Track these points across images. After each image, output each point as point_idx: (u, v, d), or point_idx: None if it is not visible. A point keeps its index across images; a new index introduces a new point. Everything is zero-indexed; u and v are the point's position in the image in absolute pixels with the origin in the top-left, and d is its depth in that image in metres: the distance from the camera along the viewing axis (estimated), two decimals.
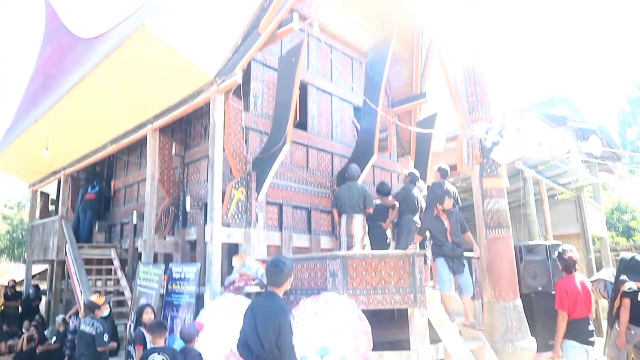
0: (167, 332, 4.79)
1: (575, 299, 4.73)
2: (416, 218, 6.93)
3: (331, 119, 8.59)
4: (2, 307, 10.71)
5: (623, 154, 17.43)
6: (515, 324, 6.24)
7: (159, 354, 4.47)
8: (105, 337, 5.48)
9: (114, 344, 5.88)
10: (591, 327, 4.80)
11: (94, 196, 10.70)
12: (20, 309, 11.10)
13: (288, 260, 3.43)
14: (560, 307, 4.77)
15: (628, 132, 32.62)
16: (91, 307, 5.83)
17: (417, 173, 7.46)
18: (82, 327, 5.66)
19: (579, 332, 4.71)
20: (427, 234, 6.13)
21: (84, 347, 5.54)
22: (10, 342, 9.62)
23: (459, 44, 7.18)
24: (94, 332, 5.50)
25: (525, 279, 6.86)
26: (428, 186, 7.01)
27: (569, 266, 4.89)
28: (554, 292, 6.20)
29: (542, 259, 7.00)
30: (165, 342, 4.71)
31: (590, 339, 4.72)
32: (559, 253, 5.01)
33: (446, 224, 5.87)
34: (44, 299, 11.96)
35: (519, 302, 6.42)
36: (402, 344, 5.90)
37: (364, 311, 4.80)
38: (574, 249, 5.05)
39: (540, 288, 6.83)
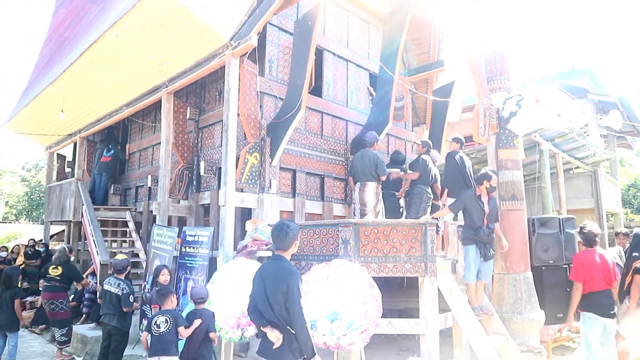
0: (173, 297, 4.82)
1: (592, 271, 4.74)
2: (428, 188, 6.89)
3: (346, 85, 8.48)
4: (23, 266, 11.02)
5: None
6: (524, 295, 6.27)
7: (162, 315, 4.58)
8: (131, 298, 5.53)
9: (137, 305, 5.95)
10: (611, 300, 4.77)
11: (110, 159, 10.81)
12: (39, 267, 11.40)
13: (293, 223, 3.45)
14: (575, 277, 4.83)
15: None
16: (123, 267, 5.81)
17: (430, 142, 7.37)
18: (107, 287, 5.65)
19: (597, 304, 4.72)
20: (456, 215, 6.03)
21: (109, 307, 5.55)
22: (30, 298, 9.93)
23: (476, 13, 6.99)
24: (120, 293, 5.54)
25: (536, 251, 6.83)
26: (449, 154, 6.86)
27: (589, 240, 4.91)
28: (565, 266, 6.20)
29: (554, 232, 6.95)
30: (174, 306, 4.80)
31: (611, 312, 4.71)
32: (580, 227, 5.01)
33: (486, 207, 5.66)
34: None
35: (529, 274, 6.43)
36: (411, 312, 5.98)
37: (374, 278, 4.84)
38: (595, 224, 5.04)
39: (551, 261, 6.81)
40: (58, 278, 6.92)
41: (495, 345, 5.22)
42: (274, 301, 3.16)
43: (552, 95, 6.98)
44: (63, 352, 6.98)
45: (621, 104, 13.95)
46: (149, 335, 4.58)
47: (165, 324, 4.51)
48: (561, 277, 6.48)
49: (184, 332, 4.57)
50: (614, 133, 14.08)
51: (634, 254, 5.36)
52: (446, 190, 6.66)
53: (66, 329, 6.99)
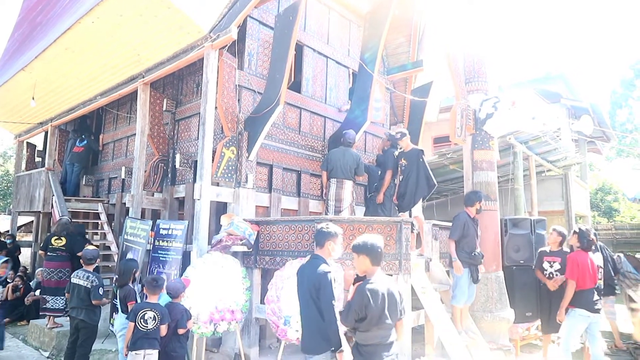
0: (162, 289, 4.76)
1: (585, 271, 5.19)
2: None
3: (326, 82, 8.47)
4: None
5: (613, 135, 17.55)
6: (495, 294, 6.39)
7: (151, 310, 4.49)
8: (101, 291, 5.41)
9: (106, 300, 5.82)
10: (597, 297, 5.28)
11: (82, 149, 10.54)
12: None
13: (333, 224, 3.60)
14: (570, 276, 5.25)
15: (618, 114, 32.75)
16: (93, 257, 5.70)
17: (395, 135, 7.12)
18: (75, 280, 5.51)
19: (587, 301, 5.20)
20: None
21: (78, 301, 5.42)
22: None
23: (458, 22, 7.07)
24: (89, 285, 5.41)
25: (508, 251, 6.97)
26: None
27: (589, 244, 5.35)
28: (534, 267, 6.38)
29: (526, 233, 7.09)
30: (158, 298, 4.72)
31: (597, 307, 5.24)
32: (582, 231, 5.39)
33: (478, 229, 5.84)
34: (29, 250, 11.95)
35: (500, 273, 6.56)
36: None
37: None
38: (592, 229, 5.52)
39: (522, 261, 6.95)
40: (63, 248, 7.26)
41: (465, 343, 5.31)
42: (308, 300, 3.33)
43: (527, 99, 7.14)
44: (55, 321, 7.10)
45: (592, 110, 14.35)
46: (134, 328, 4.49)
47: (154, 322, 4.45)
48: (531, 277, 6.62)
49: (164, 330, 4.52)
50: (585, 138, 14.47)
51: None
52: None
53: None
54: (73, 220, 9.01)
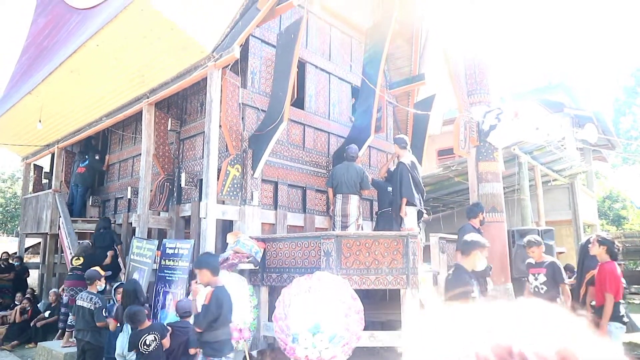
0: (144, 322, 4.73)
1: (620, 283, 4.90)
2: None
3: (329, 98, 8.52)
4: None
5: (618, 142, 17.49)
6: None
7: (149, 334, 4.50)
8: (105, 312, 5.45)
9: (111, 322, 5.83)
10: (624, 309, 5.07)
11: (84, 170, 10.58)
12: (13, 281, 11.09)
13: (477, 235, 3.77)
14: (610, 290, 4.82)
15: (622, 122, 32.68)
16: (93, 277, 5.74)
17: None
18: (80, 302, 5.54)
19: (620, 313, 4.92)
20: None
21: (83, 322, 5.45)
22: (2, 313, 9.64)
23: (459, 28, 7.12)
24: (92, 307, 5.44)
25: (516, 263, 6.93)
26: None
27: (616, 253, 5.02)
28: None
29: None
30: (150, 321, 4.74)
31: (625, 320, 5.00)
32: (608, 241, 5.03)
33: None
34: (37, 272, 11.97)
35: (509, 285, 6.51)
36: (393, 324, 5.97)
37: (356, 291, 4.84)
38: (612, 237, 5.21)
39: None
40: (80, 267, 7.47)
41: None
42: None
43: (530, 109, 7.14)
44: (70, 339, 7.04)
45: (596, 118, 14.32)
46: (136, 353, 4.50)
47: (154, 342, 4.46)
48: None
49: (166, 343, 4.52)
50: (590, 146, 14.42)
51: (584, 263, 5.54)
52: (404, 200, 6.57)
53: None
54: (81, 240, 9.05)
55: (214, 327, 3.71)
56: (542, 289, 5.46)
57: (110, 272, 7.77)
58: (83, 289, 7.21)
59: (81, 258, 7.65)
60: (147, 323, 4.66)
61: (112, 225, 9.90)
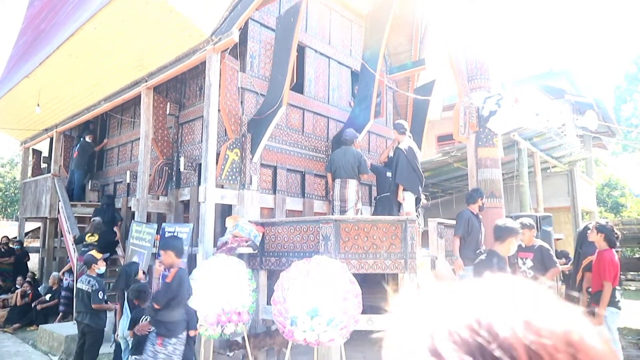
0: (149, 297, 4.77)
1: (617, 270, 4.93)
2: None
3: (328, 82, 8.48)
4: None
5: (618, 130, 17.46)
6: None
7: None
8: (101, 295, 5.47)
9: (111, 305, 5.87)
10: (620, 294, 5.08)
11: (77, 154, 10.53)
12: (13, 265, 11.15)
13: (511, 220, 3.81)
14: (608, 277, 4.85)
15: (623, 109, 32.60)
16: (89, 261, 5.79)
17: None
18: (79, 284, 5.61)
19: (616, 299, 4.97)
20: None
21: (81, 305, 5.51)
22: (3, 296, 9.71)
23: (460, 14, 7.06)
24: (89, 290, 5.50)
25: None
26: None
27: (614, 241, 5.02)
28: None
29: None
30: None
31: (621, 305, 5.04)
32: (606, 228, 5.01)
33: (482, 226, 5.71)
34: (37, 256, 12.03)
35: (508, 270, 6.54)
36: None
37: (354, 275, 4.86)
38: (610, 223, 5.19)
39: None
40: (95, 243, 7.75)
41: None
42: None
43: (530, 95, 7.11)
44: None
45: (597, 105, 14.28)
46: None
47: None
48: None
49: (192, 333, 4.53)
50: (590, 133, 14.39)
51: (581, 249, 5.54)
52: (400, 187, 6.56)
53: None
54: (79, 225, 9.09)
55: (171, 307, 3.91)
56: (529, 273, 5.40)
57: (108, 254, 7.90)
58: None
59: (95, 235, 7.95)
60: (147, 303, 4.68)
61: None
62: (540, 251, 5.41)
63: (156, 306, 3.90)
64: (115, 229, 8.77)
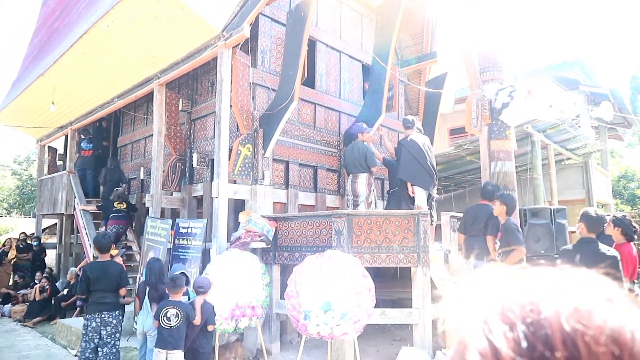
0: (183, 288, 4.81)
1: (635, 263, 4.80)
2: None
3: (339, 77, 8.47)
4: (15, 259, 10.97)
5: (634, 120, 17.18)
6: None
7: (173, 307, 4.56)
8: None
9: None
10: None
11: (89, 153, 10.61)
12: (31, 261, 11.36)
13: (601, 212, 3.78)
14: (628, 273, 4.63)
15: (639, 99, 32.02)
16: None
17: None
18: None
19: (635, 293, 4.78)
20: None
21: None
22: (22, 291, 9.90)
23: (470, 5, 6.99)
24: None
25: (528, 242, 6.89)
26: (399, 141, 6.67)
27: (632, 235, 4.85)
28: (556, 256, 6.27)
29: (546, 222, 7.02)
30: (180, 297, 4.78)
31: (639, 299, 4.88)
32: (623, 221, 4.82)
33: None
34: (54, 252, 12.23)
35: (522, 264, 6.50)
36: (404, 302, 6.02)
37: (367, 269, 4.87)
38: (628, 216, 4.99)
39: (543, 251, 6.88)
40: (125, 210, 8.71)
41: None
42: None
43: (544, 87, 7.02)
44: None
45: (612, 95, 14.04)
46: (157, 327, 4.57)
47: (176, 318, 4.50)
48: (552, 267, 6.53)
49: (197, 322, 4.60)
50: (605, 124, 14.19)
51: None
52: (409, 184, 6.40)
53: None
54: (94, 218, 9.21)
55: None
56: (499, 254, 5.14)
57: (124, 249, 8.10)
58: (124, 226, 8.76)
59: (124, 203, 8.72)
60: (179, 295, 4.71)
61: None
62: (504, 229, 5.04)
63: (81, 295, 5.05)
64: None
